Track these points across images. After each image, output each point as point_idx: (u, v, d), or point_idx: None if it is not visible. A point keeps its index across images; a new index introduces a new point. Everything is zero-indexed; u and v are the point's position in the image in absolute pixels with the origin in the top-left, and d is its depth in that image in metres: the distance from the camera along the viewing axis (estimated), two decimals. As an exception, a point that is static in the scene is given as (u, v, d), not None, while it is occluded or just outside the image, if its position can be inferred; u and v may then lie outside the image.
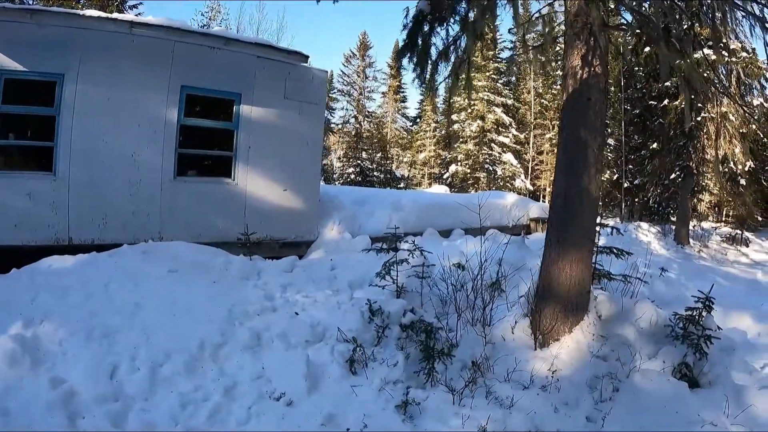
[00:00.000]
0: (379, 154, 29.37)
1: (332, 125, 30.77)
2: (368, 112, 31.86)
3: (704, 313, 4.18)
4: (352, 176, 26.52)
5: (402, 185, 27.66)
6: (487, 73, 25.62)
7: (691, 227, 15.21)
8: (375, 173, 26.97)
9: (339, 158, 30.19)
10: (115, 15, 6.67)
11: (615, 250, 5.26)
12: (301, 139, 7.80)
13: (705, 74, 13.09)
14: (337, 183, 26.64)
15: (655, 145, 15.14)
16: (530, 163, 25.84)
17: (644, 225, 15.49)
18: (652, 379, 3.93)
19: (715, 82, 13.87)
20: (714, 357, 4.10)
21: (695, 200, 16.35)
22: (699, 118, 13.86)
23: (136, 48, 6.59)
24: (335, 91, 31.54)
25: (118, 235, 6.42)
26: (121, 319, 4.00)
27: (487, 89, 25.38)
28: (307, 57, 7.53)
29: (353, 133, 30.59)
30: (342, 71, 31.64)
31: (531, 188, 25.67)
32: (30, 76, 6.17)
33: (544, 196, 27.05)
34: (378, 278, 4.94)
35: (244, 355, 3.87)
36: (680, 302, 5.61)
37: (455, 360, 4.02)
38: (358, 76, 31.51)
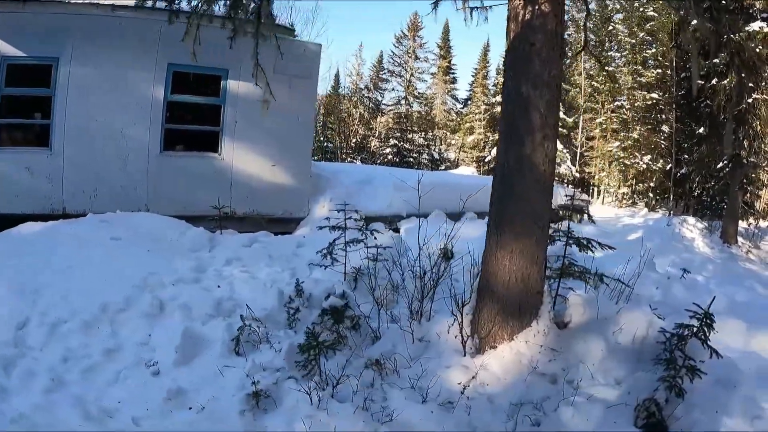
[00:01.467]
0: (418, 135, 28.60)
1: (382, 106, 30.53)
2: (418, 93, 31.23)
3: (702, 332, 3.15)
4: (390, 156, 26.07)
5: (442, 167, 26.87)
6: None
7: (744, 225, 13.59)
8: (413, 154, 26.30)
9: (380, 139, 29.73)
10: (103, 1, 6.91)
11: (583, 241, 3.94)
12: (291, 114, 7.71)
13: (757, 49, 11.48)
14: (376, 163, 26.32)
15: (701, 130, 13.48)
16: (579, 149, 24.11)
17: (691, 220, 13.91)
18: (588, 417, 2.94)
19: (770, 59, 12.20)
20: (698, 395, 3.03)
21: (749, 194, 14.37)
22: (750, 100, 12.12)
23: (123, 29, 6.88)
24: (386, 71, 31.30)
25: (107, 207, 6.73)
26: (52, 279, 4.16)
27: None
28: (293, 30, 7.42)
29: (402, 114, 30.20)
30: (392, 51, 31.28)
31: (577, 175, 23.96)
32: (28, 61, 6.71)
33: (593, 185, 25.25)
34: (322, 258, 4.68)
35: (141, 321, 3.89)
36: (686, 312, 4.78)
37: (360, 356, 3.62)
38: (409, 57, 30.91)
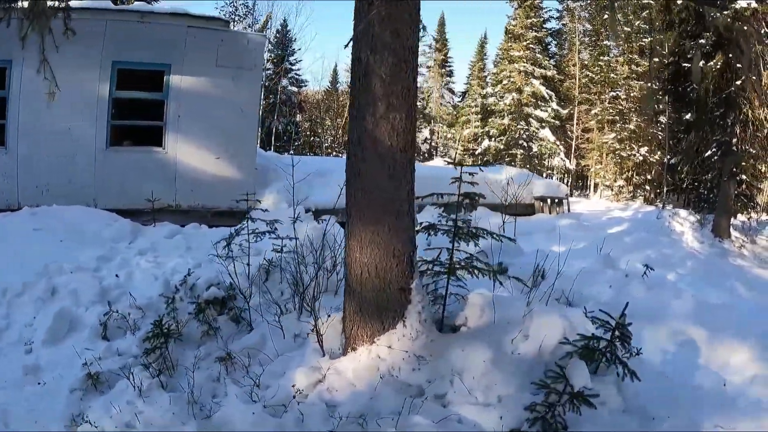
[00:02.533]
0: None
1: None
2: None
3: (611, 347, 2.64)
4: None
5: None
6: (525, 43, 23.73)
7: (744, 219, 12.95)
8: None
9: None
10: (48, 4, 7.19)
11: (473, 231, 3.37)
12: (235, 106, 7.79)
13: (744, 27, 10.90)
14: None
15: (689, 116, 12.96)
16: (574, 141, 23.62)
17: (682, 212, 13.17)
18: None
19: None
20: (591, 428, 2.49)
21: (745, 186, 13.66)
22: (739, 82, 11.49)
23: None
24: None
25: (57, 201, 6.95)
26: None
27: (524, 60, 23.51)
28: (228, 22, 7.54)
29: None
30: None
31: (572, 168, 23.47)
32: (-17, 65, 6.96)
33: (589, 178, 24.72)
34: (223, 249, 4.76)
35: (33, 304, 4.02)
36: (649, 317, 4.10)
37: (224, 349, 3.50)
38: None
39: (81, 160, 7.30)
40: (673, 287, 6.10)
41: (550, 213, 12.99)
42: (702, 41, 11.93)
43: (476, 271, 3.35)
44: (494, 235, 3.49)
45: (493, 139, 23.13)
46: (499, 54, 26.11)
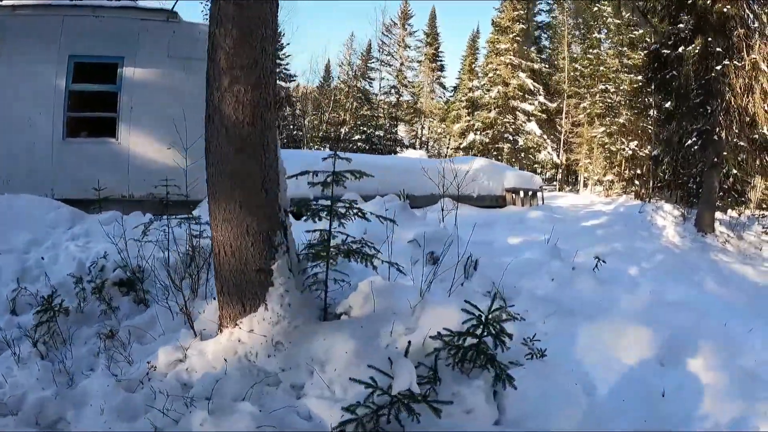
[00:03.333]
0: (384, 122, 28.19)
1: (371, 96, 30.66)
2: (408, 82, 30.84)
3: (474, 347, 2.38)
4: (359, 144, 26.18)
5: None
6: (512, 35, 23.51)
7: (734, 214, 12.56)
8: (384, 141, 26.23)
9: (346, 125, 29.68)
10: (3, 3, 7.50)
11: (317, 208, 3.18)
12: (187, 96, 7.97)
13: (725, 9, 10.55)
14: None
15: (669, 105, 12.70)
16: (563, 135, 23.43)
17: (667, 206, 12.75)
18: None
19: (747, 20, 11.26)
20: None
21: (732, 180, 13.28)
22: (719, 67, 11.11)
23: (28, 27, 7.45)
24: (375, 60, 31.16)
25: (19, 190, 7.17)
26: None
27: (511, 52, 23.33)
28: (175, 14, 7.73)
29: (392, 104, 30.16)
30: (382, 41, 30.97)
31: (561, 162, 23.27)
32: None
33: (577, 172, 24.51)
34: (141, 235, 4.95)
35: None
36: (590, 313, 3.99)
37: (109, 325, 3.64)
38: (399, 46, 30.60)
39: (39, 152, 7.55)
40: (631, 282, 6.00)
41: (522, 205, 12.96)
42: (681, 25, 11.59)
43: (359, 257, 3.18)
44: (380, 217, 3.41)
45: (479, 132, 23.08)
46: (486, 47, 26.10)
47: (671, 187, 16.91)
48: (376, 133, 26.25)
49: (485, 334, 2.38)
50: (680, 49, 12.06)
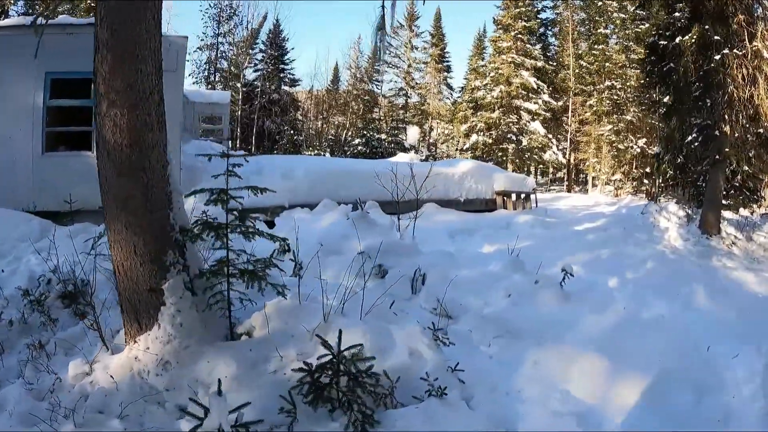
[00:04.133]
0: (387, 125, 28.01)
1: (378, 98, 30.56)
2: (415, 83, 30.52)
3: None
4: (359, 147, 26.12)
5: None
6: (513, 33, 23.06)
7: (746, 213, 11.78)
8: (385, 144, 26.08)
9: (348, 129, 29.53)
10: None
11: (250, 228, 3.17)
12: (157, 107, 8.15)
13: None
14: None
15: (667, 99, 12.11)
16: (569, 134, 22.79)
17: (672, 207, 12.08)
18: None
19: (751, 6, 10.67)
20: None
21: (741, 176, 12.54)
22: (718, 56, 10.47)
23: (5, 46, 7.68)
24: (381, 63, 30.80)
25: (3, 206, 7.53)
26: None
27: (514, 50, 22.86)
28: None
29: (400, 106, 30.08)
30: (389, 43, 30.90)
31: (569, 162, 22.64)
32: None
33: (585, 172, 23.87)
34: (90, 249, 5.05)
35: None
36: (543, 336, 3.70)
37: (46, 336, 3.74)
38: (406, 48, 30.29)
39: (20, 166, 7.85)
40: (605, 296, 5.09)
41: (514, 209, 12.66)
42: (677, 14, 11.05)
43: (252, 278, 3.08)
44: (269, 236, 3.30)
45: (481, 133, 22.72)
46: (488, 46, 25.71)
47: (683, 185, 16.13)
48: (377, 136, 26.15)
49: (341, 372, 2.24)
50: (677, 40, 11.43)
